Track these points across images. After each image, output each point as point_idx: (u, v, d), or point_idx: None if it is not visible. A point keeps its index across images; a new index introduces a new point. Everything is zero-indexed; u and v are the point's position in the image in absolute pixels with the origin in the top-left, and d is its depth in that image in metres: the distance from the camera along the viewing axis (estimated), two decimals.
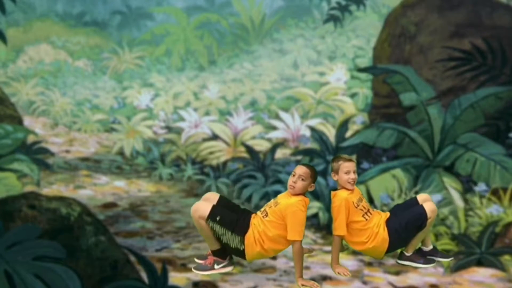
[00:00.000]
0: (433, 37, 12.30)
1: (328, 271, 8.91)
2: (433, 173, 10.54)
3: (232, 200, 4.12)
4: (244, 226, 3.89)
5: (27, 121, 15.75)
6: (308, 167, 3.96)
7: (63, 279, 7.87)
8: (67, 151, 15.30)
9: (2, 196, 9.93)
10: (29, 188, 11.69)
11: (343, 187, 4.01)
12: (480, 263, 9.44)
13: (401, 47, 12.60)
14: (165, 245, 10.60)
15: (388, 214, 4.08)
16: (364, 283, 9.11)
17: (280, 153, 13.55)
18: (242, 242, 3.88)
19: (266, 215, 3.89)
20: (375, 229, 4.02)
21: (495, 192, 10.21)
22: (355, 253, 9.50)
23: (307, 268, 9.13)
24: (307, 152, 12.62)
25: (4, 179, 11.36)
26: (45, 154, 13.77)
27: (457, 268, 9.32)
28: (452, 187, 10.24)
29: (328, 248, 9.92)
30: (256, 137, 14.31)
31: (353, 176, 3.98)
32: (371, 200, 10.38)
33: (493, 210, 9.89)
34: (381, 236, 4.01)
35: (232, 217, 3.91)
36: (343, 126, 12.80)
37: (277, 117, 14.60)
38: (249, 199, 11.93)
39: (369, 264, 9.62)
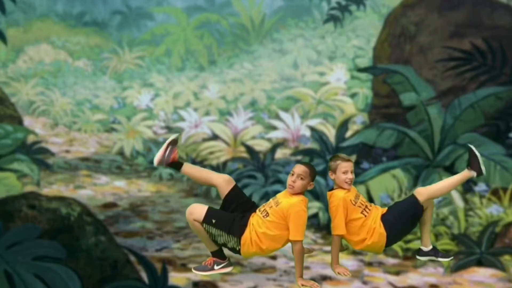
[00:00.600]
0: (433, 37, 12.30)
1: (328, 271, 8.91)
2: (433, 173, 10.54)
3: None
4: (240, 226, 3.90)
5: (27, 121, 15.74)
6: (306, 165, 3.96)
7: (63, 279, 7.87)
8: (67, 151, 15.30)
9: (2, 196, 9.93)
10: (29, 188, 11.69)
11: (340, 187, 4.03)
12: (480, 263, 9.43)
13: (401, 47, 12.60)
14: (165, 245, 10.60)
15: (384, 209, 4.12)
16: (364, 283, 9.11)
17: (280, 153, 13.55)
18: (238, 242, 3.88)
19: (267, 215, 3.89)
20: (372, 225, 4.04)
21: (495, 192, 10.20)
22: (355, 253, 9.50)
23: (307, 268, 9.13)
24: (307, 152, 12.62)
25: (4, 179, 11.36)
26: (45, 154, 13.76)
27: (457, 268, 9.32)
28: None
29: (328, 248, 9.92)
30: (256, 137, 14.31)
31: (350, 176, 4.00)
32: (371, 200, 10.38)
33: (493, 210, 9.89)
34: (378, 232, 4.03)
35: (228, 217, 3.92)
36: (343, 126, 12.80)
37: (277, 117, 14.59)
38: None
39: (369, 264, 9.62)
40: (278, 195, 3.99)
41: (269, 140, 14.19)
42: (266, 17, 19.15)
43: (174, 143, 4.14)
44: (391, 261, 9.68)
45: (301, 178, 3.91)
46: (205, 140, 14.65)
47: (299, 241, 3.87)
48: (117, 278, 8.67)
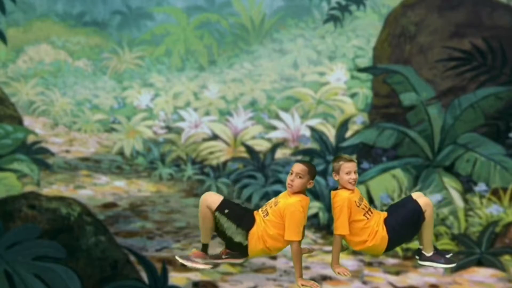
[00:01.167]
0: (433, 37, 12.30)
1: (328, 271, 8.91)
2: (433, 173, 10.54)
3: (232, 200, 4.13)
4: (250, 222, 3.90)
5: (27, 121, 15.75)
6: (305, 164, 3.96)
7: (63, 279, 7.87)
8: (67, 151, 15.30)
9: (2, 196, 9.93)
10: (29, 188, 11.69)
11: (344, 187, 4.02)
12: (480, 263, 9.44)
13: (401, 47, 12.60)
14: (165, 245, 10.60)
15: (386, 213, 4.10)
16: (364, 283, 9.11)
17: (280, 153, 13.55)
18: (246, 237, 3.89)
19: (267, 214, 3.91)
20: (375, 227, 4.03)
21: (495, 192, 10.21)
22: (355, 253, 9.51)
23: (307, 268, 9.13)
24: (307, 152, 12.62)
25: (4, 179, 11.37)
26: (45, 154, 13.76)
27: (457, 268, 9.32)
28: (452, 187, 10.24)
29: (328, 248, 9.91)
30: (256, 137, 14.31)
31: (354, 176, 3.99)
32: (371, 200, 10.38)
33: (493, 210, 9.89)
34: (381, 235, 4.02)
35: (240, 211, 3.93)
36: (343, 126, 12.80)
37: (277, 117, 14.60)
38: (249, 199, 11.93)
39: (369, 264, 9.62)
40: (280, 195, 4.00)
41: (269, 140, 14.20)
42: (266, 17, 19.15)
43: (186, 259, 4.09)
44: (391, 261, 9.68)
45: (300, 177, 3.91)
46: (205, 140, 14.65)
47: (294, 241, 3.87)
48: (117, 278, 8.67)
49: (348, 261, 9.50)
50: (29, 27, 19.96)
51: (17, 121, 13.74)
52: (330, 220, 10.57)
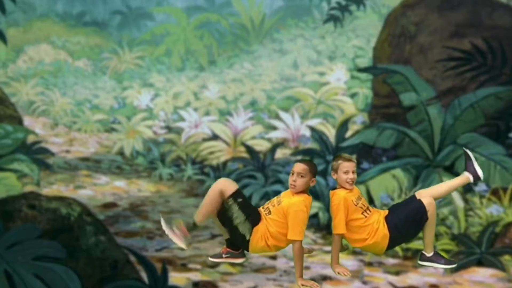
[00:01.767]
0: (433, 37, 12.30)
1: (328, 271, 8.91)
2: (433, 173, 10.54)
3: None
4: (257, 218, 3.92)
5: (27, 121, 15.75)
6: (305, 163, 3.97)
7: (63, 279, 7.87)
8: (67, 151, 15.30)
9: (2, 196, 9.93)
10: (29, 188, 11.69)
11: (342, 187, 4.03)
12: (480, 263, 9.43)
13: (401, 47, 12.60)
14: (165, 245, 10.60)
15: (386, 211, 4.10)
16: (364, 283, 9.11)
17: (280, 153, 13.55)
18: (250, 232, 3.90)
19: (269, 212, 3.92)
20: (375, 225, 4.03)
21: (495, 192, 10.20)
22: (355, 253, 9.50)
23: (307, 268, 9.12)
24: (307, 152, 12.62)
25: (4, 179, 11.37)
26: (45, 154, 13.76)
27: (457, 268, 9.32)
28: None
29: (328, 248, 9.92)
30: (256, 137, 14.31)
31: (351, 176, 3.99)
32: (371, 200, 10.38)
33: (493, 210, 9.89)
34: (382, 232, 4.02)
35: (251, 205, 3.95)
36: (343, 126, 12.80)
37: (277, 117, 14.60)
38: (249, 199, 11.91)
39: (369, 264, 9.62)
40: (282, 194, 4.00)
41: (269, 140, 14.20)
42: (266, 17, 19.15)
43: (169, 226, 4.05)
44: (391, 261, 9.68)
45: (302, 176, 3.92)
46: (205, 140, 14.65)
47: (297, 240, 3.88)
48: (117, 278, 8.67)
49: (348, 261, 9.50)
50: (29, 27, 19.96)
51: (17, 121, 13.74)
52: (330, 220, 10.57)
